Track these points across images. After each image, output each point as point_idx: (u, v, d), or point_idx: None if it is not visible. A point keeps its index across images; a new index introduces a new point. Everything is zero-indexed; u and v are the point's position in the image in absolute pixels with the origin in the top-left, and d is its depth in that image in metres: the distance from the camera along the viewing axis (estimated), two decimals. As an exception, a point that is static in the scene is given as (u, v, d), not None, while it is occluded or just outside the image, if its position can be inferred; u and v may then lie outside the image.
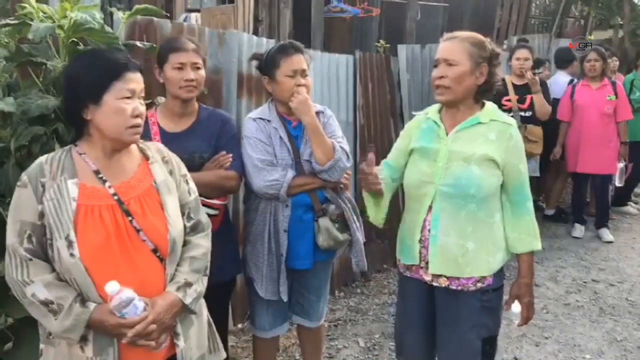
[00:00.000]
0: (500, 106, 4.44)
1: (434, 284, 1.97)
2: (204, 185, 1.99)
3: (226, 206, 2.25)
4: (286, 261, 2.22)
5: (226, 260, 2.19)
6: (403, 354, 2.17)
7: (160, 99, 2.24)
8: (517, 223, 1.94)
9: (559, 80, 5.26)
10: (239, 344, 3.08)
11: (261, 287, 2.24)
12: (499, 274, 1.99)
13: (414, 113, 2.18)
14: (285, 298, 2.25)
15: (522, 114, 4.45)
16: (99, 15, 1.87)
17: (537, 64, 5.08)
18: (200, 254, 1.66)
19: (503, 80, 4.59)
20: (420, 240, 1.96)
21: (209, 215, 1.95)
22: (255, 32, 5.88)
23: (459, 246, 1.89)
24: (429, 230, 1.93)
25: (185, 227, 1.65)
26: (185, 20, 6.80)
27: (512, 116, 4.38)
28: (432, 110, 2.05)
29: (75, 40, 1.92)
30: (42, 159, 1.52)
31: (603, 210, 5.07)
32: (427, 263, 1.95)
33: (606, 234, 4.98)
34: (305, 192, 2.21)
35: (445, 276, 1.93)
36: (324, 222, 2.20)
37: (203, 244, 1.69)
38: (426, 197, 1.93)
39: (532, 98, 4.42)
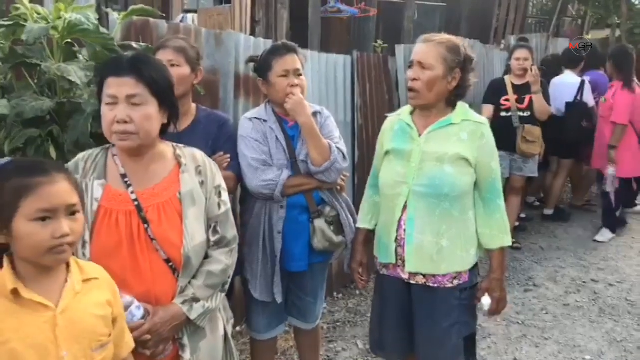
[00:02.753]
0: (499, 106, 4.44)
1: (412, 282, 2.00)
2: None
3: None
4: (281, 263, 2.20)
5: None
6: (385, 349, 2.19)
7: None
8: (489, 220, 1.99)
9: (568, 81, 5.03)
10: (237, 347, 3.06)
11: (255, 288, 2.23)
12: (474, 272, 2.03)
13: (386, 115, 2.18)
14: (279, 300, 2.23)
15: (521, 114, 4.43)
16: (93, 16, 1.86)
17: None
18: (219, 270, 1.62)
19: (503, 79, 4.59)
20: (396, 240, 1.99)
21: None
22: (253, 33, 5.85)
23: (434, 244, 1.93)
24: (404, 230, 1.96)
25: (209, 240, 1.62)
26: (182, 20, 6.79)
27: (510, 116, 4.44)
28: (404, 111, 2.07)
29: (70, 41, 1.90)
30: (81, 155, 1.57)
31: (604, 211, 4.99)
32: (403, 262, 1.98)
33: (600, 234, 4.91)
34: (301, 193, 2.19)
35: (422, 274, 1.97)
36: (320, 223, 2.18)
37: (223, 260, 1.64)
38: (400, 197, 1.96)
39: (531, 98, 4.40)
